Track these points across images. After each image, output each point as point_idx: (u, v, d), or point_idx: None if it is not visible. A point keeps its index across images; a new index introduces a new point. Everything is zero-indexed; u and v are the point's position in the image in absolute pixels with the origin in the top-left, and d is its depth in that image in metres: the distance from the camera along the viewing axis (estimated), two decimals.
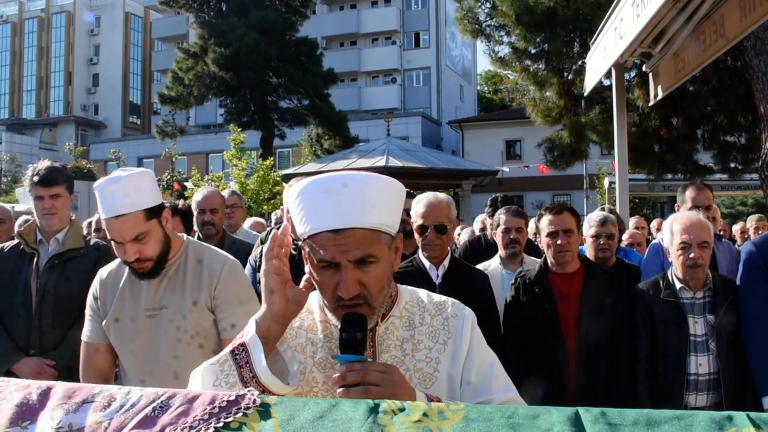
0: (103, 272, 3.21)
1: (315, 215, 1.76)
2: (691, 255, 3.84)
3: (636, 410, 1.39)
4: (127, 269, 3.10)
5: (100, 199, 2.89)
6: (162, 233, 3.01)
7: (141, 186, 2.93)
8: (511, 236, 4.94)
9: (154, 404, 1.44)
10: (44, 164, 4.25)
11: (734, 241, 10.61)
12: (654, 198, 31.74)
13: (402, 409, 1.40)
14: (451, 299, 2.05)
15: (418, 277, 4.04)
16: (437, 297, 2.05)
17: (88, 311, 3.18)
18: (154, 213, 2.97)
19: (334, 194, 1.75)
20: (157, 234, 2.98)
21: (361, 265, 1.75)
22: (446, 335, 1.94)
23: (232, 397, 1.44)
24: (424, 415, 1.39)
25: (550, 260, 4.23)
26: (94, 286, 3.18)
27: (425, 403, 1.43)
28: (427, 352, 1.92)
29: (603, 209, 6.02)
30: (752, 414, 1.38)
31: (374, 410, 1.40)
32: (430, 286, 3.99)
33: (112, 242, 2.95)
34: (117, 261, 3.20)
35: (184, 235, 3.25)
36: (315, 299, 1.99)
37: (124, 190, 2.86)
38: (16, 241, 4.31)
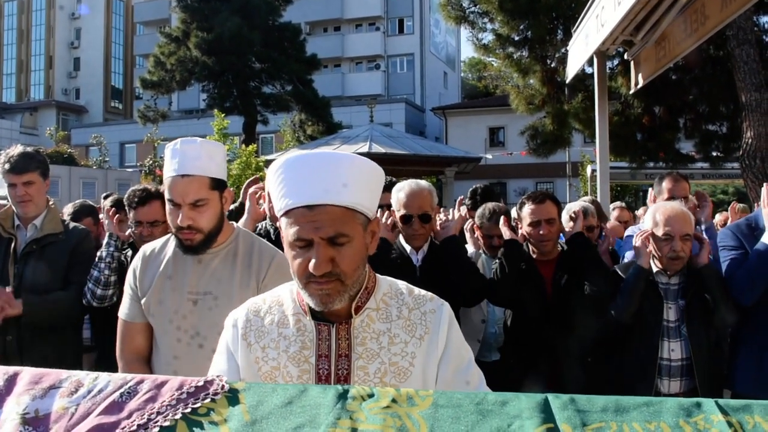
0: (146, 249, 3.12)
1: (292, 191, 1.79)
2: (674, 248, 3.87)
3: (605, 397, 1.40)
4: (171, 248, 3.03)
5: (171, 157, 2.85)
6: (219, 210, 2.96)
7: (214, 155, 2.91)
8: (493, 243, 4.89)
9: (122, 390, 1.44)
10: (16, 151, 4.18)
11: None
12: (636, 186, 31.89)
13: (371, 395, 1.41)
14: (430, 294, 2.03)
15: (399, 261, 4.08)
16: (417, 291, 2.03)
17: (126, 289, 3.08)
18: (218, 186, 2.93)
19: (311, 170, 1.78)
20: (215, 208, 2.92)
21: (334, 244, 1.77)
22: (423, 330, 1.93)
23: (201, 383, 1.43)
24: (393, 401, 1.39)
25: (532, 249, 4.25)
26: (135, 263, 3.09)
27: (394, 389, 1.43)
28: (403, 345, 1.90)
29: (584, 200, 6.01)
30: (721, 401, 1.40)
31: (343, 396, 1.40)
32: (411, 269, 4.04)
33: (169, 205, 2.89)
34: (161, 240, 3.14)
35: (235, 224, 3.19)
36: (286, 290, 2.02)
37: (198, 152, 2.83)
38: None
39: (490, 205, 5.03)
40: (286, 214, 1.80)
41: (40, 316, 4.05)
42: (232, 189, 3.21)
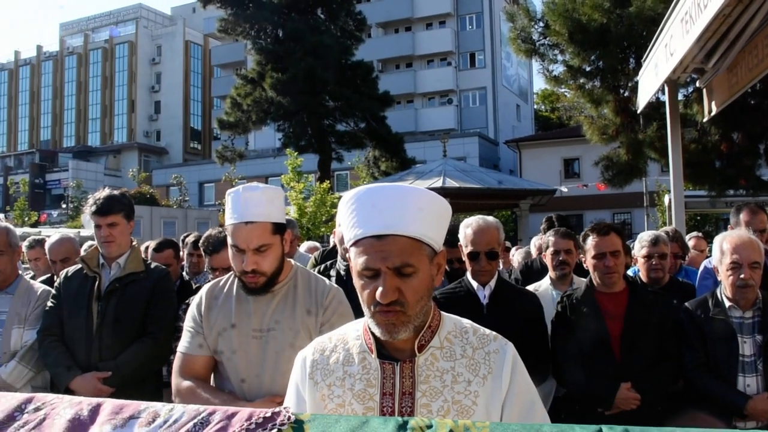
0: (211, 287, 3.20)
1: (361, 221, 1.86)
2: (742, 275, 3.78)
3: (659, 428, 1.41)
4: (235, 287, 3.11)
5: (233, 204, 2.95)
6: (281, 252, 3.05)
7: (275, 200, 3.01)
8: (560, 258, 4.95)
9: (195, 420, 1.52)
10: (103, 193, 4.38)
11: None
12: (716, 214, 31.01)
13: (429, 426, 1.45)
14: (494, 333, 2.04)
15: (466, 298, 4.08)
16: (482, 330, 2.04)
17: (189, 324, 3.13)
18: (279, 229, 3.02)
19: (381, 201, 1.85)
20: (277, 251, 3.02)
21: (400, 274, 1.82)
22: (486, 370, 1.94)
23: (268, 414, 1.51)
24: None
25: (596, 281, 4.17)
26: (199, 299, 3.17)
27: (452, 420, 1.48)
28: (467, 384, 1.92)
29: (666, 229, 5.97)
30: None
31: (403, 427, 1.45)
32: (478, 306, 4.03)
33: (232, 250, 2.99)
34: (223, 278, 3.22)
35: (293, 261, 3.27)
36: (351, 329, 2.07)
37: (260, 199, 2.93)
38: (79, 265, 4.45)
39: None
40: (356, 244, 1.87)
41: (128, 377, 4.17)
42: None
